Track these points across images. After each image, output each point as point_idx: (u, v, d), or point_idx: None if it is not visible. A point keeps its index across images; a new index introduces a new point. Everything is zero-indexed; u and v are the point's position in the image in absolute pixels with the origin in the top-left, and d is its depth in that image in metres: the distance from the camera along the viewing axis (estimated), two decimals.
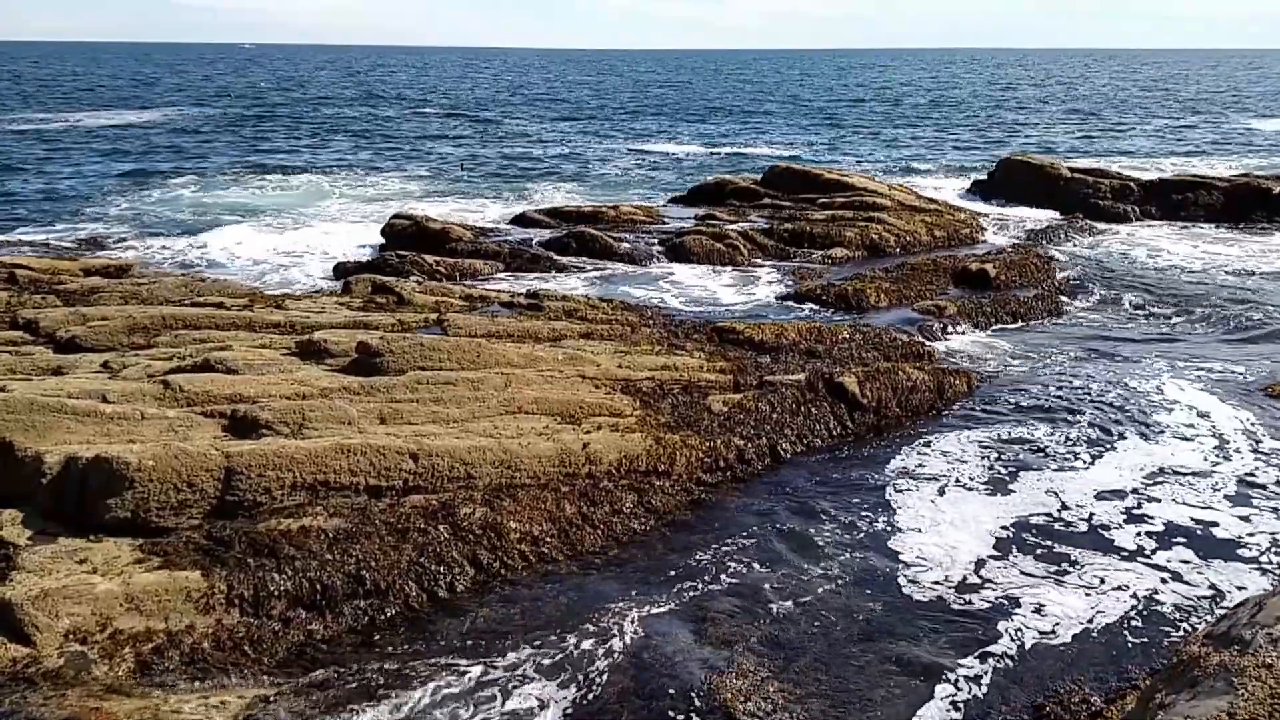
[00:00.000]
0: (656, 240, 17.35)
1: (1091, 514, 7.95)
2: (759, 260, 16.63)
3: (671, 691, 5.62)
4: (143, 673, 5.62)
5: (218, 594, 6.08)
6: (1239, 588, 6.84)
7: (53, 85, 78.61)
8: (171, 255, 17.81)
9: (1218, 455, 9.09)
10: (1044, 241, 18.77)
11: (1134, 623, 6.45)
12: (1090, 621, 6.44)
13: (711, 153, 38.51)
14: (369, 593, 6.37)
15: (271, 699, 5.48)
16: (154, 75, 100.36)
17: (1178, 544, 7.47)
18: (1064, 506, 8.08)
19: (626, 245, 16.82)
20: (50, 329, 9.74)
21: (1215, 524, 7.79)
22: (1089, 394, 10.67)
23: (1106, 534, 7.63)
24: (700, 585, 6.80)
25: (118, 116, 50.24)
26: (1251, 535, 7.62)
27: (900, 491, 8.28)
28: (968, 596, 6.72)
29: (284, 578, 6.24)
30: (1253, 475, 8.65)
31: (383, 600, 6.38)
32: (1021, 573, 7.05)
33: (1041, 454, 9.09)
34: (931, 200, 21.68)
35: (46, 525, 6.38)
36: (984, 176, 25.41)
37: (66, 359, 8.91)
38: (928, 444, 9.27)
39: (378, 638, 6.16)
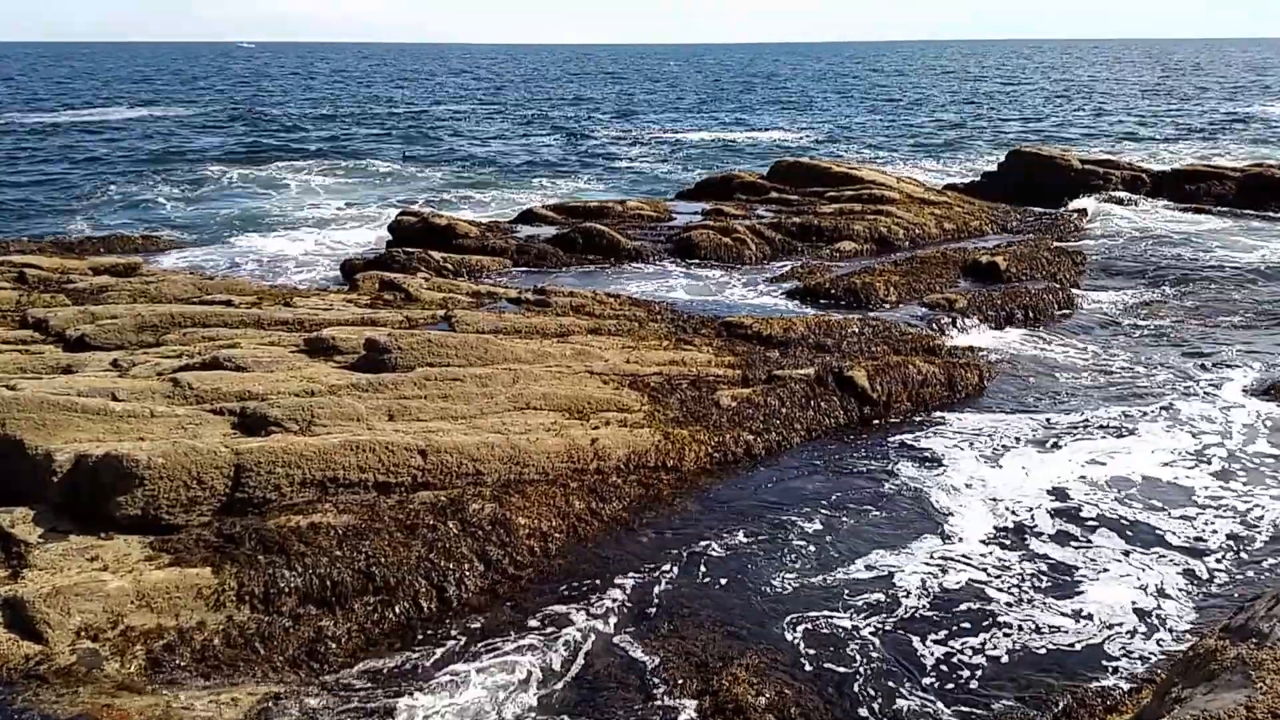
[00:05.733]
0: (664, 236, 17.29)
1: (1103, 504, 7.89)
2: (767, 254, 16.56)
3: (683, 685, 5.60)
4: (154, 670, 5.62)
5: (228, 591, 6.08)
6: (1261, 581, 6.79)
7: (51, 83, 78.90)
8: (179, 253, 17.87)
9: (1240, 444, 9.03)
10: (1054, 233, 18.61)
11: (1151, 615, 6.40)
12: (1103, 614, 6.40)
13: (721, 140, 38.45)
14: (378, 589, 6.36)
15: (282, 696, 5.48)
16: (155, 73, 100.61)
17: (1191, 534, 7.41)
18: (1078, 498, 8.02)
19: (634, 241, 16.77)
20: (59, 327, 9.75)
21: (1233, 514, 7.73)
22: (1103, 384, 10.61)
23: (1119, 525, 7.56)
24: (709, 578, 6.77)
25: (119, 114, 50.42)
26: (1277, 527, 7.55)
27: (912, 483, 8.23)
28: (974, 586, 6.69)
29: (294, 574, 6.24)
30: (1273, 464, 8.60)
31: (392, 597, 6.37)
32: (1035, 560, 7.01)
33: (1056, 444, 9.03)
34: (940, 193, 21.56)
35: (57, 523, 6.39)
36: (994, 168, 25.26)
37: (76, 357, 8.93)
38: (938, 437, 9.22)
39: (387, 634, 6.15)
